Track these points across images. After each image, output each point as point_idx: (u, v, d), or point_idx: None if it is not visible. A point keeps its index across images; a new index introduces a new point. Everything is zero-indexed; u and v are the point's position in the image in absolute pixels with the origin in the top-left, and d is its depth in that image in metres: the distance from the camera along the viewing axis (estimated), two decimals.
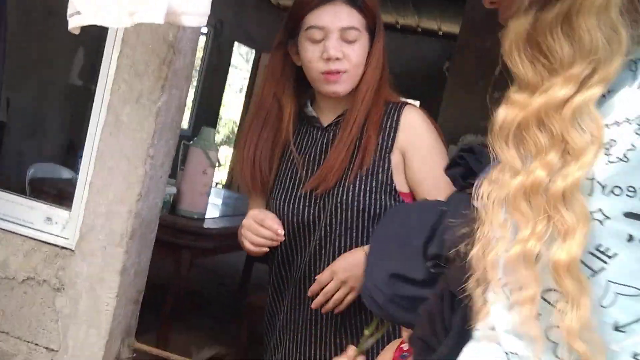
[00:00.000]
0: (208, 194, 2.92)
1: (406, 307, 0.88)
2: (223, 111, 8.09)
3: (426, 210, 0.93)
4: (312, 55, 1.38)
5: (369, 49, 1.41)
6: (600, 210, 0.57)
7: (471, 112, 2.51)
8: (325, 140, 1.44)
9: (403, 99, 1.44)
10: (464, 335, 0.78)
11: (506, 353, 0.64)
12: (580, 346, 0.56)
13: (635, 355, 0.57)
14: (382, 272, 0.91)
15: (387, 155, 1.37)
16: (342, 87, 1.39)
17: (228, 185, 7.22)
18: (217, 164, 2.91)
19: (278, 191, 1.45)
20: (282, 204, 1.43)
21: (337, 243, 1.38)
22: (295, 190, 1.43)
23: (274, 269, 1.48)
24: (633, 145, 0.57)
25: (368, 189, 1.36)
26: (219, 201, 3.68)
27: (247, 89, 7.75)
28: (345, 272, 1.32)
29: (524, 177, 0.60)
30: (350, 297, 1.34)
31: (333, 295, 1.34)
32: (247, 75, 8.11)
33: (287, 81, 1.46)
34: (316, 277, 1.36)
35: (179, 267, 2.76)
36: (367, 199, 1.35)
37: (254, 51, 7.79)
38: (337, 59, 1.35)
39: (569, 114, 0.59)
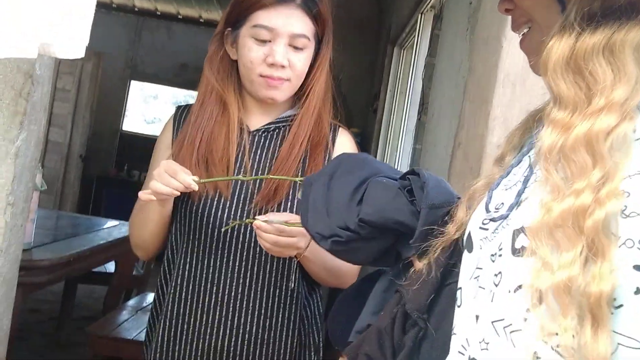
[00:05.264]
0: (34, 221, 2.59)
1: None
2: None
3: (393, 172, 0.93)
4: (255, 56, 1.28)
5: (313, 59, 1.34)
6: None
7: None
8: (254, 147, 1.35)
9: (332, 120, 1.41)
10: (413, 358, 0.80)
11: None
12: None
13: None
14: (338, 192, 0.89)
15: None
16: (281, 94, 1.31)
17: None
18: (42, 187, 2.60)
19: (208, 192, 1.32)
20: (211, 207, 1.31)
21: (263, 261, 1.32)
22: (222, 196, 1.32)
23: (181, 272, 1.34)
24: None
25: None
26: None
27: None
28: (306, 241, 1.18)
29: (573, 200, 0.59)
30: (286, 255, 1.22)
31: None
32: None
33: (229, 76, 1.35)
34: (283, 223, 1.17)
35: None
36: None
37: None
38: (282, 66, 1.27)
39: (609, 144, 0.60)
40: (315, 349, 1.40)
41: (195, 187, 1.19)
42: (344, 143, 1.39)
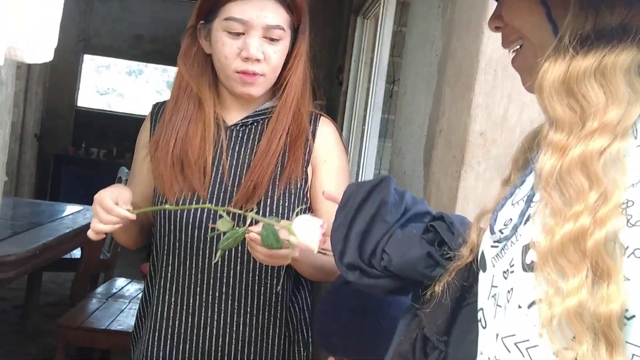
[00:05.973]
0: None
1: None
2: None
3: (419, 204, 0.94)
4: (228, 51, 1.23)
5: (289, 49, 1.30)
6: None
7: None
8: (232, 144, 1.32)
9: (314, 110, 1.37)
10: None
11: None
12: None
13: None
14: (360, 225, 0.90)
15: (305, 169, 1.31)
16: (257, 90, 1.27)
17: None
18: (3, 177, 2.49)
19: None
20: (189, 208, 1.28)
21: (246, 260, 1.29)
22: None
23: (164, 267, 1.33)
24: None
25: (287, 204, 1.28)
26: None
27: None
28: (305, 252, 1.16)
29: (573, 224, 0.60)
30: (279, 264, 1.20)
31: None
32: None
33: (204, 71, 1.30)
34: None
35: None
36: (288, 215, 1.27)
37: None
38: (257, 59, 1.23)
39: (602, 162, 0.60)
40: (304, 344, 1.39)
41: (133, 217, 1.17)
42: (326, 134, 1.36)
